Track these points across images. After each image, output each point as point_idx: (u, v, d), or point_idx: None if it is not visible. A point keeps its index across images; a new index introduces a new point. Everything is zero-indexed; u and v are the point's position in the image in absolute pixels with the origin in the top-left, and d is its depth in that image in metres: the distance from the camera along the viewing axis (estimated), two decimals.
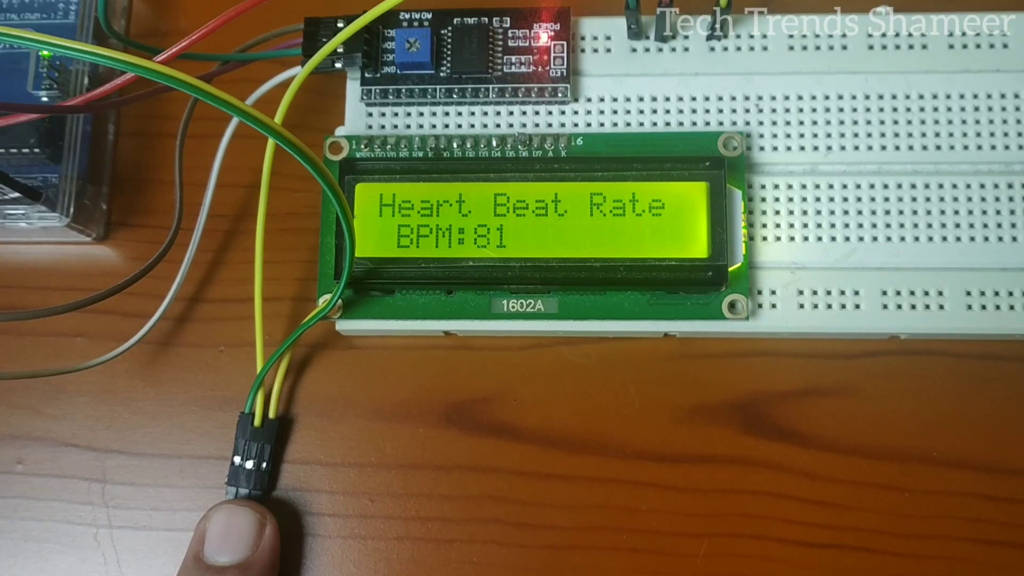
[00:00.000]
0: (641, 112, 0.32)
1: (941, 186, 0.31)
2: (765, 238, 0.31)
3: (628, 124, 0.32)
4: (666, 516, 0.31)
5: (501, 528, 0.31)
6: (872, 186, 0.31)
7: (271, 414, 0.32)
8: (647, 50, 0.33)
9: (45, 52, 0.32)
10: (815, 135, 0.32)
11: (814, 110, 0.32)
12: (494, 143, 0.32)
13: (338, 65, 0.32)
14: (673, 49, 0.33)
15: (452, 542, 0.31)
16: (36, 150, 0.32)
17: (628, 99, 0.33)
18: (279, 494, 0.32)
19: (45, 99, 0.33)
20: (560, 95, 0.32)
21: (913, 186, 0.31)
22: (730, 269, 0.30)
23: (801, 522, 0.31)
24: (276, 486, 0.32)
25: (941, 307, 0.31)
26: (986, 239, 0.31)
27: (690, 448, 0.31)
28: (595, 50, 0.33)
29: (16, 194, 0.31)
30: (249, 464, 0.31)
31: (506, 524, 0.31)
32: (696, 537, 0.31)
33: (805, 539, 0.31)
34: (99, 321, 0.33)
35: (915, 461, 0.31)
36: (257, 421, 0.32)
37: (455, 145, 0.32)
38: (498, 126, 0.33)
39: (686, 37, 0.33)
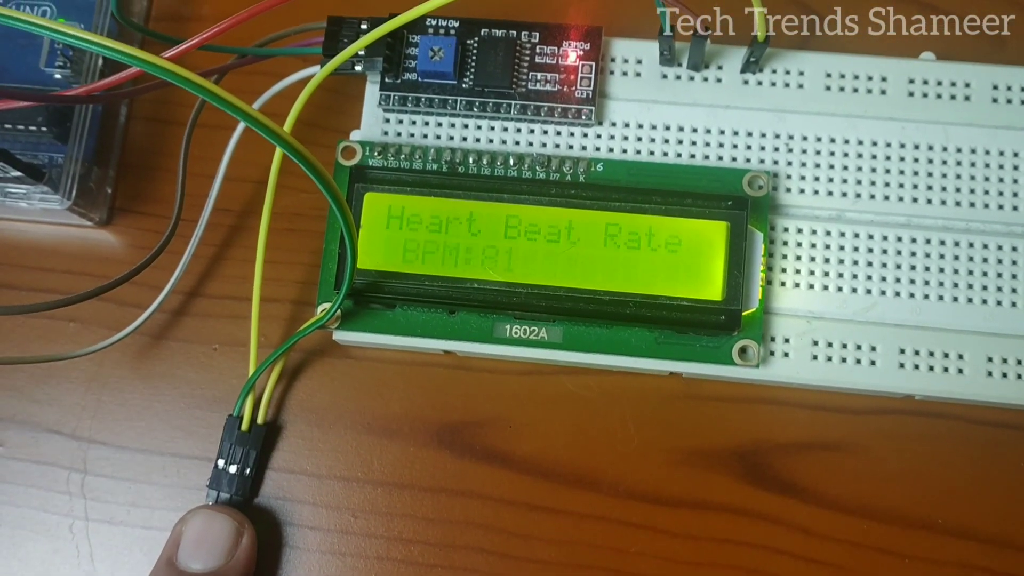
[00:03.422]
0: (666, 141, 0.31)
1: (971, 245, 0.30)
2: (784, 283, 0.30)
3: (652, 153, 0.31)
4: (655, 561, 0.30)
5: (484, 557, 0.30)
6: (899, 239, 0.30)
7: (259, 419, 0.31)
8: (678, 78, 0.32)
9: None
10: (844, 180, 0.31)
11: (846, 155, 0.31)
12: (511, 161, 0.30)
13: (358, 68, 0.31)
14: (705, 79, 0.32)
15: (432, 567, 0.30)
16: (43, 128, 0.31)
17: (654, 127, 0.31)
18: (261, 501, 0.31)
19: (58, 76, 0.32)
20: (584, 117, 0.31)
21: (942, 242, 0.30)
22: (744, 314, 0.29)
23: None
24: (258, 493, 0.31)
25: (960, 371, 0.29)
26: (1013, 304, 0.30)
27: (686, 492, 0.30)
28: (624, 73, 0.32)
29: (18, 173, 0.30)
30: (233, 468, 0.31)
31: (489, 553, 0.30)
32: None
33: None
34: (93, 308, 0.33)
35: (918, 527, 0.30)
36: (245, 425, 0.31)
37: (471, 160, 0.31)
38: (517, 143, 0.31)
39: (720, 68, 0.32)
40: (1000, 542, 0.30)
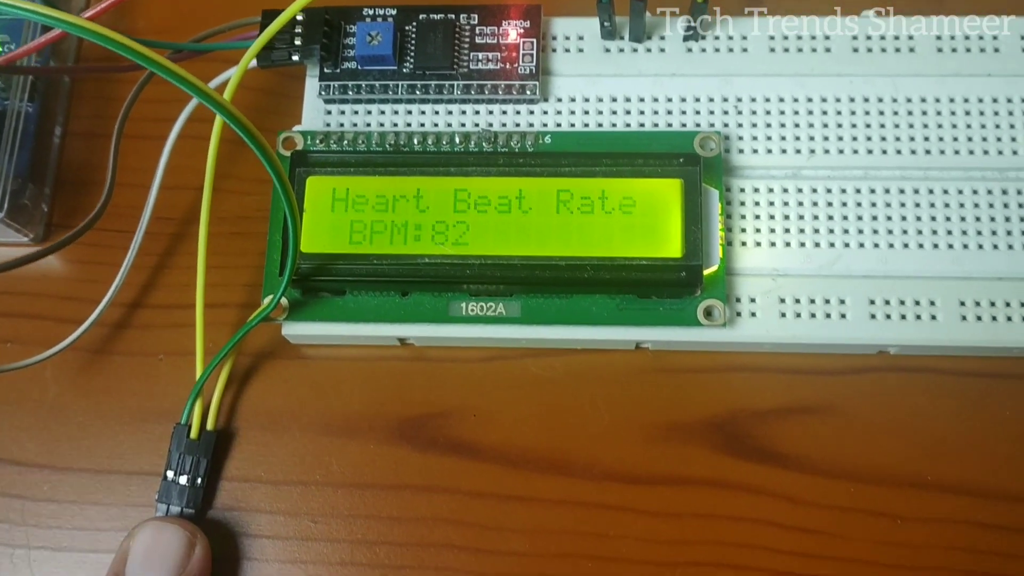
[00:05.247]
0: (614, 113, 0.31)
1: (931, 191, 0.29)
2: (744, 243, 0.29)
3: (600, 125, 0.31)
4: (637, 543, 0.28)
5: (455, 554, 0.28)
6: (858, 191, 0.29)
7: (209, 426, 0.29)
8: (621, 50, 0.31)
9: None
10: (797, 138, 0.30)
11: (796, 112, 0.30)
12: (457, 140, 0.30)
13: (295, 58, 0.31)
14: (648, 50, 0.31)
15: (401, 568, 0.28)
16: None
17: (600, 100, 0.31)
18: (214, 513, 0.29)
19: None
20: (528, 92, 0.30)
21: (902, 191, 0.29)
22: (706, 272, 0.28)
23: (784, 551, 0.28)
24: (212, 504, 0.29)
25: (933, 318, 0.28)
26: (980, 247, 0.29)
27: (664, 469, 0.29)
28: (567, 50, 0.31)
29: None
30: (183, 479, 0.29)
31: (461, 550, 0.29)
32: (669, 566, 0.28)
33: (788, 569, 0.28)
34: (31, 326, 0.31)
35: (907, 486, 0.28)
36: (194, 433, 0.29)
37: (415, 142, 0.30)
38: (463, 125, 0.31)
39: (662, 37, 0.31)
40: (993, 494, 0.28)
